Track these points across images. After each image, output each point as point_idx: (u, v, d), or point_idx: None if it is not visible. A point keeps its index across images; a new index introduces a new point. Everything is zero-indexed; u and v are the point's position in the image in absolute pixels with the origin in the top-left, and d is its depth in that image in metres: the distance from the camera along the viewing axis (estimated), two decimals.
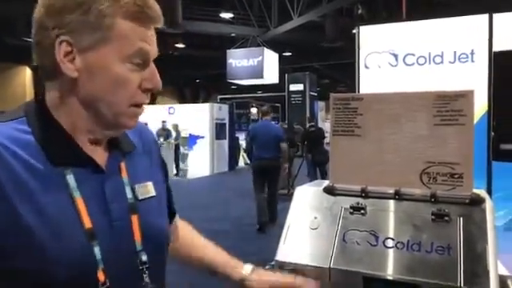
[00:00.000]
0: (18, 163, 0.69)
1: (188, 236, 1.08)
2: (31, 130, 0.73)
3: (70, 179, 0.72)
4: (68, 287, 0.69)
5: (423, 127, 0.99)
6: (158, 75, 0.78)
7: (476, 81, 2.46)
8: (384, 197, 1.00)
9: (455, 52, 2.53)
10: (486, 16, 2.41)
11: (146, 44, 0.75)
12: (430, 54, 2.59)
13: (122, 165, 0.82)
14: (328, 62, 17.18)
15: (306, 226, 1.05)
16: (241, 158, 15.49)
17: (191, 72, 19.31)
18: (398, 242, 0.92)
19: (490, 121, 2.33)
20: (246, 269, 1.00)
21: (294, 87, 15.70)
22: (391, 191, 1.00)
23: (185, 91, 24.81)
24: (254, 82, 14.41)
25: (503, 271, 2.01)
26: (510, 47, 2.35)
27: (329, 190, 1.07)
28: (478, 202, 0.92)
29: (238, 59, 13.92)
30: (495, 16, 2.40)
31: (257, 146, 6.02)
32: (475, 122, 2.71)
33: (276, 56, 14.29)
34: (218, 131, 13.75)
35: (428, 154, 0.98)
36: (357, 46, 2.75)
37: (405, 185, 1.00)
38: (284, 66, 15.40)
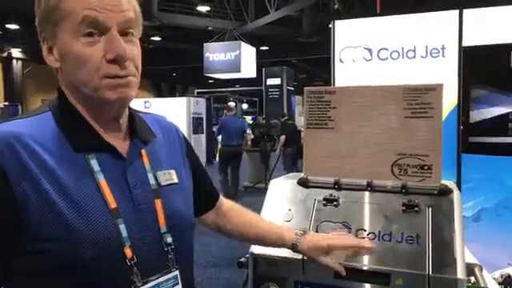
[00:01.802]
0: (44, 152, 0.74)
1: (238, 213, 1.06)
2: (56, 122, 0.79)
3: (94, 164, 0.77)
4: (96, 263, 0.73)
5: (394, 120, 1.01)
6: (119, 43, 0.76)
7: (447, 75, 2.51)
8: (356, 188, 1.02)
9: (427, 47, 2.58)
10: (456, 12, 2.47)
11: (93, 12, 0.75)
12: (403, 48, 2.63)
13: (143, 152, 0.86)
14: (305, 57, 17.25)
15: (281, 219, 1.05)
16: (218, 151, 15.46)
17: (168, 65, 19.08)
18: (370, 233, 0.94)
19: (459, 114, 2.39)
20: (297, 234, 0.96)
21: (271, 81, 15.70)
22: (363, 183, 1.02)
23: (161, 85, 24.51)
24: (231, 75, 14.34)
25: (471, 259, 2.08)
26: (479, 42, 2.42)
27: (302, 183, 1.08)
28: (446, 192, 0.95)
29: (215, 53, 13.82)
30: (465, 12, 2.46)
31: (224, 136, 7.33)
32: (446, 115, 2.78)
33: (253, 50, 14.26)
34: (196, 125, 13.65)
35: (399, 146, 1.01)
36: (332, 41, 2.77)
37: (377, 176, 1.02)
38: (261, 60, 15.38)
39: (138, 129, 0.87)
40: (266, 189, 1.18)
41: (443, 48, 2.56)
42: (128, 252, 0.75)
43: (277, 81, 15.66)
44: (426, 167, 0.98)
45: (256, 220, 1.04)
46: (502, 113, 2.15)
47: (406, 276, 0.86)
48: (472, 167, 2.48)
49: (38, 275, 0.73)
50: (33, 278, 0.74)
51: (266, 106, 15.68)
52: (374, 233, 0.94)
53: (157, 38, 15.85)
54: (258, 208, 1.13)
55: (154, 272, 0.78)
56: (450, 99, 2.51)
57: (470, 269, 0.94)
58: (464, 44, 2.46)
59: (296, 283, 0.98)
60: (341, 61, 2.75)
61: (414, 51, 2.60)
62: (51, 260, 0.72)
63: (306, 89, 1.13)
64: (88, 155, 0.77)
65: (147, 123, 0.91)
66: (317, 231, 0.99)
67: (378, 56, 2.67)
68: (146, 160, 0.85)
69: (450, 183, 1.00)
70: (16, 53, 17.47)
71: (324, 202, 1.02)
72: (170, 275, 0.81)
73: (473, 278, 0.94)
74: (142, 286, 0.76)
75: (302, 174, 1.12)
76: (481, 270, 0.97)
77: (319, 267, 0.94)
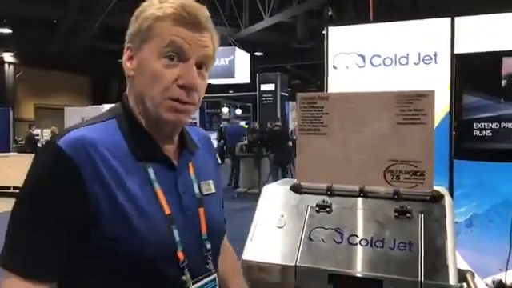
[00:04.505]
0: (113, 159, 0.81)
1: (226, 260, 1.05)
2: (120, 129, 0.86)
3: (151, 172, 0.84)
4: (155, 265, 0.80)
5: (386, 126, 1.01)
6: (193, 73, 0.84)
7: (440, 82, 2.53)
8: (349, 195, 1.02)
9: (420, 53, 2.60)
10: (448, 19, 2.49)
11: (181, 40, 0.83)
12: (395, 55, 2.65)
13: (190, 164, 0.93)
14: (299, 63, 17.31)
15: (273, 225, 1.05)
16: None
17: None
18: (362, 239, 0.94)
19: (451, 120, 2.41)
20: None
21: (265, 87, 15.72)
22: (356, 189, 1.01)
23: None
24: (225, 81, 14.34)
25: (463, 265, 2.09)
26: (471, 50, 2.44)
27: (295, 189, 1.08)
28: (438, 198, 0.95)
29: None
30: (457, 19, 2.48)
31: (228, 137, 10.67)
32: (439, 121, 2.79)
33: (247, 56, 14.29)
34: None
35: (391, 153, 1.01)
36: (325, 47, 2.78)
37: (369, 183, 1.02)
38: (255, 66, 15.42)
39: (187, 141, 0.94)
40: (259, 194, 1.18)
41: (435, 55, 2.58)
42: (180, 255, 0.82)
43: (271, 86, 15.69)
44: (418, 173, 0.98)
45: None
46: (493, 119, 2.16)
47: (399, 282, 0.86)
48: (464, 173, 2.49)
49: (100, 274, 0.79)
50: (95, 276, 0.79)
51: (259, 111, 15.70)
52: (366, 239, 0.94)
53: None
54: (252, 214, 1.13)
55: (198, 274, 0.86)
56: (442, 105, 2.53)
57: (462, 275, 0.94)
58: (456, 51, 2.48)
59: None
60: (334, 67, 2.76)
61: (407, 58, 2.62)
62: (115, 260, 0.77)
63: (298, 94, 1.13)
64: (146, 164, 0.84)
65: (191, 135, 0.98)
66: (310, 238, 0.98)
67: (370, 62, 2.68)
68: (191, 170, 0.92)
69: (442, 189, 1.00)
70: (8, 57, 17.36)
71: (317, 208, 1.02)
72: (210, 278, 0.89)
73: (465, 285, 0.94)
74: (192, 285, 0.84)
75: (295, 180, 1.12)
76: (473, 276, 0.97)
77: (312, 273, 0.93)
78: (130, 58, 0.87)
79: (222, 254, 1.00)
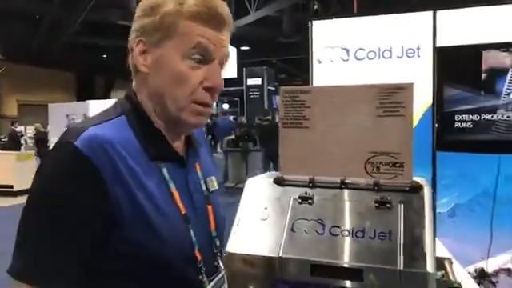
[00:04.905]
0: (131, 158, 0.77)
1: None
2: (130, 127, 0.81)
3: (165, 172, 0.81)
4: (174, 265, 0.78)
5: (367, 119, 1.02)
6: (219, 75, 0.82)
7: (422, 75, 2.57)
8: (331, 186, 1.03)
9: (403, 47, 2.63)
10: (430, 13, 2.52)
11: (206, 41, 0.80)
12: (379, 48, 2.68)
13: (197, 161, 0.92)
14: (285, 57, 17.34)
15: (257, 217, 1.06)
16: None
17: None
18: (344, 230, 0.95)
19: (433, 113, 2.45)
20: None
21: (251, 81, 15.72)
22: (337, 180, 1.03)
23: None
24: None
25: (445, 254, 2.13)
26: (452, 43, 2.48)
27: (278, 181, 1.09)
28: (417, 189, 0.97)
29: None
30: (439, 13, 2.52)
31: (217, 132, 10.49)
32: (422, 113, 2.83)
33: (234, 50, 14.26)
34: None
35: (371, 145, 1.02)
36: (310, 41, 2.80)
37: (350, 174, 1.03)
38: (242, 61, 15.38)
39: (192, 138, 0.92)
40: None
41: (418, 48, 2.62)
42: (198, 255, 0.82)
43: (257, 81, 15.69)
44: (397, 164, 1.00)
45: None
46: (474, 111, 2.20)
47: (378, 271, 0.88)
48: (447, 165, 2.54)
49: (120, 277, 0.76)
50: (113, 280, 0.76)
51: (247, 106, 15.69)
52: (347, 229, 0.95)
53: None
54: (234, 208, 1.14)
55: (211, 273, 0.85)
56: (425, 98, 2.57)
57: (440, 263, 0.96)
58: (438, 44, 2.52)
59: (273, 281, 0.99)
60: (318, 61, 2.78)
61: (390, 51, 2.66)
62: (135, 263, 0.75)
63: (281, 88, 1.14)
64: (160, 164, 0.81)
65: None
66: (292, 229, 1.00)
67: (355, 56, 2.71)
68: (198, 168, 0.91)
69: (422, 180, 1.02)
70: None
71: (299, 200, 1.03)
72: (220, 275, 0.87)
73: (443, 273, 0.97)
74: (208, 284, 0.83)
75: (279, 173, 1.13)
76: (451, 263, 1.00)
77: (294, 264, 0.95)
78: (144, 53, 0.82)
79: None
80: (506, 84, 2.06)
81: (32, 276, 0.70)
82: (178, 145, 0.87)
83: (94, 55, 17.20)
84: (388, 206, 0.96)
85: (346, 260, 0.92)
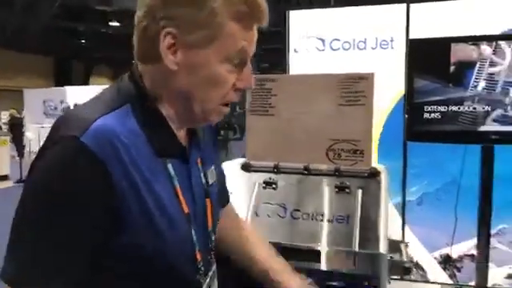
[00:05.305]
0: (137, 154, 0.71)
1: (238, 227, 1.00)
2: (137, 120, 0.74)
3: (171, 169, 0.76)
4: (175, 266, 0.75)
5: (330, 107, 1.06)
6: (252, 75, 0.78)
7: (396, 66, 2.62)
8: (294, 172, 1.07)
9: (377, 38, 2.68)
10: (404, 5, 2.57)
11: (248, 44, 0.75)
12: (354, 39, 2.71)
13: (199, 155, 0.86)
14: (268, 46, 17.29)
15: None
16: None
17: (127, 52, 18.55)
18: (304, 214, 1.00)
19: (405, 104, 2.50)
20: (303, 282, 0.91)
21: None
22: (301, 166, 1.07)
23: (120, 72, 23.83)
24: None
25: (413, 240, 2.20)
26: (425, 35, 2.53)
27: (245, 167, 1.13)
28: (375, 175, 1.02)
29: None
30: (412, 6, 2.56)
31: None
32: (394, 104, 2.88)
33: None
34: None
35: (333, 132, 1.06)
36: (287, 31, 2.82)
37: (313, 161, 1.07)
38: None
39: (194, 129, 0.86)
40: None
41: (392, 40, 2.67)
42: (198, 255, 0.78)
43: None
44: (358, 151, 1.05)
45: (258, 243, 0.95)
46: (442, 102, 2.27)
47: (335, 253, 0.92)
48: (417, 154, 2.61)
49: (117, 278, 0.73)
50: (111, 280, 0.73)
51: None
52: (307, 213, 0.99)
53: (115, 24, 15.38)
54: None
55: (207, 268, 0.82)
56: (398, 89, 2.63)
57: (396, 245, 1.01)
58: (411, 37, 2.57)
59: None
60: (295, 50, 2.80)
61: (365, 42, 2.70)
62: (137, 264, 0.72)
63: None
64: (165, 160, 0.76)
65: None
66: (256, 213, 1.03)
67: (330, 46, 2.74)
68: (199, 160, 0.85)
69: (380, 166, 1.07)
70: None
71: (264, 185, 1.07)
72: (213, 269, 0.86)
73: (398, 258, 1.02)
74: (204, 283, 0.80)
75: (245, 159, 1.16)
76: (406, 246, 1.05)
77: None
78: (172, 46, 0.72)
79: (233, 226, 0.95)
80: (474, 77, 2.13)
81: (30, 278, 0.65)
82: (182, 134, 0.82)
83: (72, 40, 16.79)
84: (347, 190, 1.00)
85: (304, 242, 0.97)
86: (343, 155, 1.05)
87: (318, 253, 0.93)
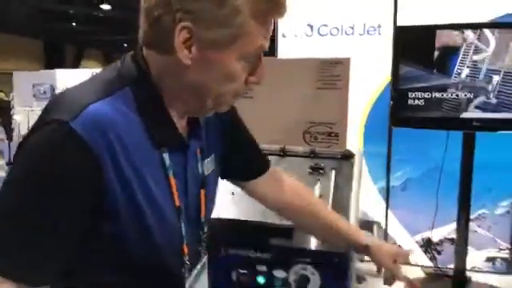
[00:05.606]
0: (132, 146, 0.69)
1: (299, 192, 0.95)
2: (135, 106, 0.71)
3: (166, 158, 0.74)
4: (160, 260, 0.75)
5: (307, 91, 1.09)
6: (265, 70, 0.77)
7: (383, 52, 2.64)
8: (271, 153, 1.10)
9: (365, 25, 2.69)
10: None
11: (266, 41, 0.73)
12: (342, 25, 2.72)
13: (198, 144, 0.84)
14: None
15: None
16: None
17: (118, 36, 18.36)
18: None
19: (391, 90, 2.53)
20: (368, 235, 0.93)
21: None
22: (278, 148, 1.09)
23: (111, 56, 23.62)
24: None
25: (396, 224, 2.25)
26: (412, 23, 2.55)
27: None
28: (348, 157, 1.05)
29: None
30: None
31: None
32: (381, 90, 2.90)
33: None
34: None
35: (310, 115, 1.09)
36: None
37: (290, 143, 1.10)
38: None
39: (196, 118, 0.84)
40: None
41: (379, 26, 2.69)
42: (185, 249, 0.78)
43: None
44: (333, 134, 1.08)
45: (322, 206, 0.92)
46: (426, 89, 2.30)
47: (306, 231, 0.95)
48: (402, 140, 2.65)
49: (101, 271, 0.73)
50: (95, 273, 0.73)
51: None
52: None
53: (106, 7, 15.17)
54: None
55: (196, 261, 0.83)
56: (385, 75, 2.65)
57: (370, 225, 1.05)
58: (398, 24, 2.59)
59: (216, 240, 1.05)
60: (283, 35, 2.81)
61: (353, 28, 2.71)
62: (121, 257, 0.71)
63: None
64: (162, 149, 0.74)
65: None
66: (232, 192, 1.06)
67: (318, 32, 2.75)
68: (198, 150, 0.83)
69: (357, 149, 1.10)
70: None
71: None
72: (203, 261, 0.88)
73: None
74: (189, 276, 0.81)
75: None
76: (379, 227, 1.08)
77: (234, 224, 1.01)
78: (188, 41, 0.68)
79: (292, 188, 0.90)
80: (458, 64, 2.16)
81: (7, 273, 0.62)
82: (182, 123, 0.80)
83: (63, 23, 16.54)
84: (321, 171, 1.03)
85: (279, 220, 1.00)
86: (319, 138, 1.08)
87: (291, 230, 0.96)
